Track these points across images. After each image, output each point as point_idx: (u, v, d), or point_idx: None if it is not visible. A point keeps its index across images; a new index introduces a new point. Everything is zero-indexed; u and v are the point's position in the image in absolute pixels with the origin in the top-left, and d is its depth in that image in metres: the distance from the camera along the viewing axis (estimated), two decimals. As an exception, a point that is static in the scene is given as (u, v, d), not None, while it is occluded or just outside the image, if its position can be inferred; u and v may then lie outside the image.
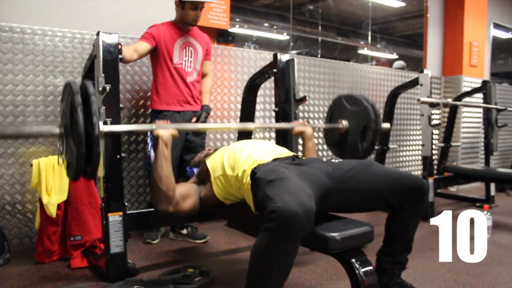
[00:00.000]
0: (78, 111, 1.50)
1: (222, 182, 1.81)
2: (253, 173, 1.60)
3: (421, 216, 1.71)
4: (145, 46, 2.47)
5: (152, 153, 2.52)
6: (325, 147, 3.96)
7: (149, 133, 2.58)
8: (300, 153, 2.25)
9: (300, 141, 2.36)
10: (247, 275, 1.35)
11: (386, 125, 2.33)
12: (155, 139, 1.84)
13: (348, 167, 1.69)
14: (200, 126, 2.33)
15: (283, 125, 2.39)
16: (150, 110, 2.74)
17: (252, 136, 3.06)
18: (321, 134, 3.94)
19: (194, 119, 2.62)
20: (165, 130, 1.82)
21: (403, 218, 1.67)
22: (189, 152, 2.64)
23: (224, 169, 1.78)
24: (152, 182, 1.81)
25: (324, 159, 1.81)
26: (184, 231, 2.72)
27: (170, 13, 2.67)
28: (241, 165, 1.71)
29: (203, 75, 2.78)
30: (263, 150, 1.80)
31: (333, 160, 1.78)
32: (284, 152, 1.86)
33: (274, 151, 1.83)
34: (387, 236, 1.75)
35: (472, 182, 4.76)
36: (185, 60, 2.62)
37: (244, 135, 2.93)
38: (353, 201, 1.67)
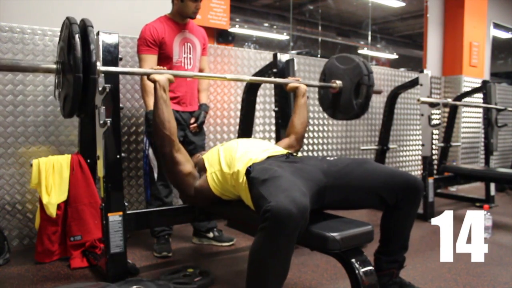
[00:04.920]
0: (76, 38, 1.53)
1: (219, 178, 1.83)
2: (248, 172, 1.61)
3: (416, 214, 1.72)
4: (155, 59, 2.42)
5: (150, 152, 2.49)
6: (322, 144, 3.97)
7: (146, 132, 2.53)
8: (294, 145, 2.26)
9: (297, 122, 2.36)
10: (246, 276, 1.36)
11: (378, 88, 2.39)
12: (153, 83, 1.88)
13: (343, 164, 1.70)
14: (195, 74, 2.31)
15: (277, 80, 2.44)
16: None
17: (252, 136, 3.07)
18: (316, 128, 3.94)
19: (192, 120, 2.56)
20: (161, 75, 1.87)
21: (398, 216, 1.68)
22: (190, 154, 2.55)
23: (221, 165, 1.80)
24: (155, 129, 1.88)
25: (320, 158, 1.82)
26: (210, 235, 2.68)
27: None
28: (236, 163, 1.73)
29: (200, 71, 2.68)
30: (259, 149, 1.82)
31: (328, 158, 1.79)
32: (278, 150, 1.87)
33: (268, 150, 1.84)
34: (383, 236, 1.75)
35: (472, 182, 4.76)
36: (184, 58, 2.52)
37: (245, 135, 2.93)
38: (349, 198, 1.67)
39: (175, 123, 1.90)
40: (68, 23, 1.58)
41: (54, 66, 1.63)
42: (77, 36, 1.53)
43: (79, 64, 1.52)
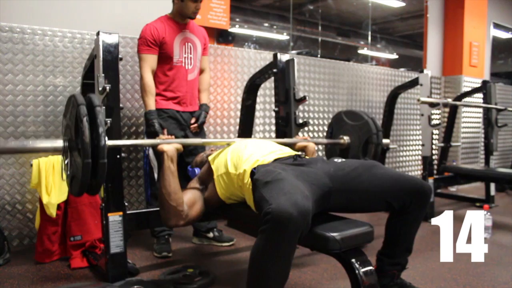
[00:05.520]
0: (84, 121, 1.48)
1: (225, 181, 1.80)
2: (252, 173, 1.60)
3: (422, 218, 1.70)
4: (155, 59, 2.42)
5: (150, 152, 2.49)
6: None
7: (146, 132, 2.50)
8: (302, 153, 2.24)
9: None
10: (247, 278, 1.36)
11: (386, 141, 2.36)
12: (160, 154, 1.80)
13: (351, 168, 1.68)
14: (204, 141, 2.25)
15: (285, 140, 2.37)
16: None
17: (252, 136, 3.07)
18: (317, 128, 3.94)
19: (193, 120, 2.54)
20: (170, 145, 1.79)
21: (405, 220, 1.66)
22: (190, 154, 2.53)
23: (227, 167, 1.78)
24: (161, 199, 1.77)
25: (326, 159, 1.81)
26: (210, 235, 2.68)
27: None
28: (243, 164, 1.71)
29: (200, 71, 2.67)
30: (266, 150, 1.80)
31: (336, 160, 1.77)
32: (286, 152, 1.84)
33: (276, 151, 1.81)
34: (387, 238, 1.74)
35: (472, 182, 4.76)
36: (185, 57, 2.52)
37: (245, 135, 2.93)
38: (354, 202, 1.66)
39: (181, 194, 1.79)
40: (75, 103, 1.51)
41: (61, 144, 1.58)
42: (85, 119, 1.47)
43: (88, 150, 1.47)
